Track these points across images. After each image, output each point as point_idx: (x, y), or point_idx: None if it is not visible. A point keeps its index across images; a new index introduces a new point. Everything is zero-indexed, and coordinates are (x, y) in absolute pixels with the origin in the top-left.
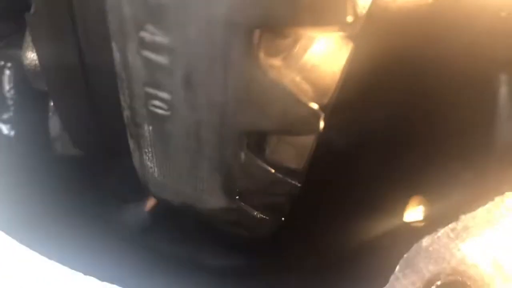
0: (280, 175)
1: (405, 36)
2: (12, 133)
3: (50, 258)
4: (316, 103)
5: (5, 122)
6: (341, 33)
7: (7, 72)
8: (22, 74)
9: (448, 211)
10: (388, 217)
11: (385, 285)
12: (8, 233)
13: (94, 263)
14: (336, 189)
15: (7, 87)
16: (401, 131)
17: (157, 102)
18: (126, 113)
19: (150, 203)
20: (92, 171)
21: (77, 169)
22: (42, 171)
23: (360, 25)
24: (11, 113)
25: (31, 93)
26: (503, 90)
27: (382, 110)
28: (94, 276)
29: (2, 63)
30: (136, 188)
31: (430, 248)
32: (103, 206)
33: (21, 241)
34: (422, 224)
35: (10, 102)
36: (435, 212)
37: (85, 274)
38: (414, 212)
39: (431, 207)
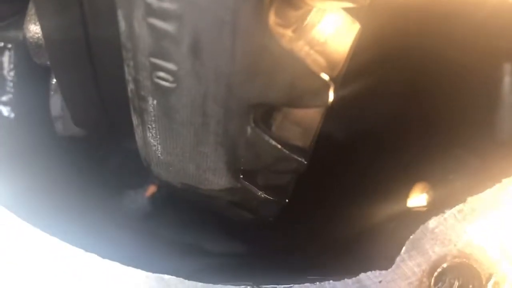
0: (286, 151)
1: (409, 22)
2: (12, 115)
3: (52, 234)
4: (327, 75)
5: (5, 104)
6: (351, 5)
7: (7, 53)
8: (22, 56)
9: (453, 196)
10: (391, 202)
11: (391, 266)
12: (12, 210)
13: (96, 242)
14: (339, 175)
15: (7, 68)
16: (408, 118)
17: (162, 74)
18: (130, 87)
19: (151, 189)
20: (92, 154)
21: (78, 151)
22: (43, 153)
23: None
24: (11, 95)
25: (31, 74)
26: (507, 79)
27: (388, 96)
28: (95, 253)
29: (2, 44)
30: (137, 173)
31: (437, 230)
32: (103, 190)
33: (24, 218)
34: (427, 209)
35: (10, 84)
36: (440, 198)
37: (86, 251)
38: (418, 198)
39: (435, 193)
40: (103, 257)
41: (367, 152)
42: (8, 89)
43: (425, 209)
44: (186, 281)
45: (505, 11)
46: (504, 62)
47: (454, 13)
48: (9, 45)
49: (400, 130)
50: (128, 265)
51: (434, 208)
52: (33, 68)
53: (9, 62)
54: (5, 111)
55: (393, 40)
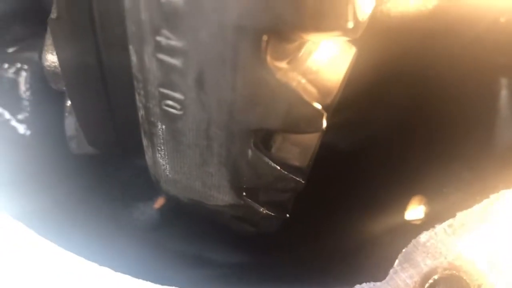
0: (285, 172)
1: (406, 41)
2: (28, 132)
3: (67, 249)
4: (320, 103)
5: (21, 122)
6: (344, 38)
7: (23, 74)
8: (37, 76)
9: (447, 209)
10: (389, 215)
11: (384, 278)
12: (29, 225)
13: (107, 254)
14: (338, 188)
15: (23, 88)
16: (403, 133)
17: (170, 102)
18: (141, 113)
19: (159, 202)
20: (103, 170)
21: (90, 167)
22: (57, 169)
23: (362, 30)
24: (27, 114)
25: (46, 94)
26: (503, 93)
27: (384, 112)
28: (108, 266)
29: (19, 65)
30: (145, 187)
31: (428, 244)
32: (114, 204)
33: (40, 233)
34: (422, 222)
35: (26, 103)
36: (435, 211)
37: (100, 264)
38: (414, 211)
39: (431, 206)
40: (116, 270)
41: (367, 165)
42: (24, 107)
43: (421, 222)
44: None
45: (498, 29)
46: (500, 76)
47: (450, 30)
48: (25, 66)
49: (400, 144)
50: (138, 277)
51: (430, 221)
52: (48, 88)
53: (25, 82)
54: (21, 128)
55: (390, 61)
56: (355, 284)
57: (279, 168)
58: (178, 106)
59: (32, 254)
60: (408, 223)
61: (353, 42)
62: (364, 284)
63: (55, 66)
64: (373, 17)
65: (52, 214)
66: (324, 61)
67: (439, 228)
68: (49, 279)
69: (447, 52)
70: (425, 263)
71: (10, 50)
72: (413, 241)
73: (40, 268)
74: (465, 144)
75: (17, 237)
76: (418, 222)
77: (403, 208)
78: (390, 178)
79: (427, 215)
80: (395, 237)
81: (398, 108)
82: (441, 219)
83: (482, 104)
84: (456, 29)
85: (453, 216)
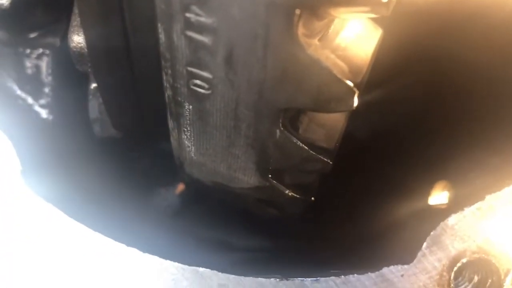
0: (313, 153)
1: (430, 25)
2: (51, 117)
3: (95, 230)
4: (351, 81)
5: (43, 107)
6: (373, 15)
7: (45, 59)
8: (59, 61)
9: (473, 194)
10: (414, 200)
11: (412, 261)
12: (58, 207)
13: (132, 237)
14: (365, 172)
15: (45, 73)
16: (429, 119)
17: (198, 81)
18: (168, 93)
19: (180, 187)
20: (126, 154)
21: (113, 151)
22: (81, 153)
23: (391, 9)
24: (49, 99)
25: (68, 79)
26: None
27: (409, 97)
28: (136, 247)
29: (41, 51)
30: (167, 172)
31: (456, 226)
32: (136, 189)
33: (69, 214)
34: (448, 206)
35: (48, 88)
36: (461, 196)
37: (127, 245)
38: (440, 196)
39: (456, 191)
40: (143, 251)
41: (390, 152)
42: (46, 92)
43: (445, 206)
44: (220, 273)
45: None
46: None
47: (474, 15)
48: (47, 51)
49: (421, 130)
50: (166, 259)
51: (455, 206)
52: (69, 73)
53: (47, 67)
54: (44, 113)
55: (415, 43)
56: (382, 267)
57: (307, 148)
58: (206, 86)
59: (65, 235)
60: (434, 208)
61: (379, 24)
62: (392, 267)
63: (81, 47)
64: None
65: (78, 196)
66: (353, 40)
67: (468, 211)
68: (80, 258)
69: (472, 37)
70: (454, 246)
71: (32, 35)
72: (442, 224)
73: (74, 248)
74: (491, 129)
75: (51, 220)
76: (444, 207)
77: (428, 193)
78: (412, 164)
79: (452, 200)
80: (421, 221)
81: (422, 94)
82: (467, 204)
83: (507, 89)
84: (480, 14)
85: (482, 198)
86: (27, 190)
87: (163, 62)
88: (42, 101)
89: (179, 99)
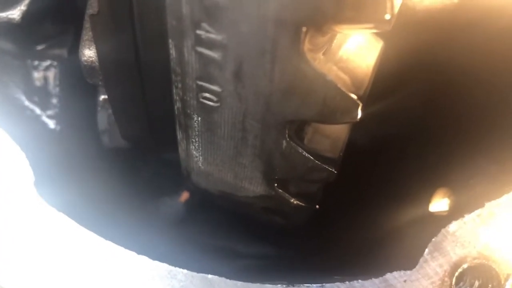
0: (318, 162)
1: (431, 35)
2: (58, 128)
3: (105, 236)
4: (354, 94)
5: (51, 117)
6: (375, 31)
7: (53, 70)
8: (67, 73)
9: (473, 200)
10: (415, 206)
11: (414, 267)
12: (69, 216)
13: (143, 246)
14: (366, 179)
15: (53, 84)
16: (429, 127)
17: (207, 95)
18: (177, 105)
19: (184, 196)
20: (132, 163)
21: (120, 161)
22: (88, 163)
23: (392, 24)
24: (57, 109)
25: (76, 90)
26: None
27: (410, 105)
28: (146, 253)
29: (49, 62)
30: (172, 181)
31: (457, 233)
32: (141, 197)
33: (81, 223)
34: (448, 213)
35: (55, 99)
36: (461, 202)
37: (138, 253)
38: (440, 202)
39: (457, 198)
40: (153, 259)
41: (390, 159)
42: (54, 103)
43: (446, 213)
44: (228, 280)
45: None
46: None
47: (475, 22)
48: (55, 63)
49: (422, 138)
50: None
51: (456, 212)
52: (77, 84)
53: (55, 79)
54: (52, 124)
55: (415, 52)
56: (385, 273)
57: (312, 158)
58: (215, 98)
59: (78, 243)
60: (435, 214)
61: (380, 35)
62: (395, 273)
63: (92, 61)
64: (399, 11)
65: (87, 205)
66: (355, 52)
67: (468, 217)
68: (93, 265)
69: (472, 45)
70: (455, 252)
71: (40, 47)
72: (443, 230)
73: (86, 255)
74: (491, 137)
75: (62, 228)
76: (445, 213)
77: (428, 199)
78: (413, 171)
79: (453, 206)
80: (423, 228)
81: (422, 101)
82: (467, 211)
83: (507, 97)
84: (481, 21)
85: (482, 205)
86: (40, 200)
87: (173, 76)
88: (50, 112)
89: (189, 111)
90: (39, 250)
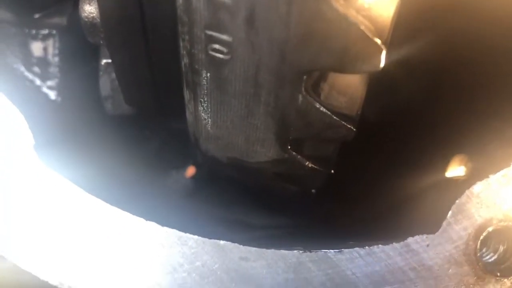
0: (337, 118)
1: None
2: (59, 98)
3: (112, 204)
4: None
5: (51, 88)
6: None
7: (52, 39)
8: (66, 41)
9: (493, 165)
10: (434, 173)
11: (437, 230)
12: (77, 184)
13: (151, 213)
14: (382, 146)
15: (52, 54)
16: (443, 92)
17: (217, 46)
18: (185, 61)
19: (190, 170)
20: (138, 134)
21: (125, 130)
22: (92, 132)
23: None
24: (57, 80)
25: (76, 59)
26: None
27: (423, 70)
28: (154, 221)
29: (47, 31)
30: (179, 153)
31: (482, 194)
32: (148, 169)
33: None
34: (468, 177)
35: (55, 69)
36: (480, 168)
37: (146, 220)
38: (458, 169)
39: (475, 164)
40: (162, 225)
41: (405, 126)
42: (53, 74)
43: (467, 177)
44: (241, 246)
45: None
46: None
47: None
48: (53, 32)
49: (436, 104)
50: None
51: (477, 175)
52: (77, 53)
53: (54, 48)
54: (52, 95)
55: (429, 10)
56: (407, 237)
57: (330, 114)
58: (225, 50)
59: (83, 208)
60: (456, 179)
61: None
62: (417, 237)
63: (92, 17)
64: None
65: (94, 173)
66: (376, 2)
67: (493, 178)
68: (100, 231)
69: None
70: (479, 214)
71: (37, 15)
72: (467, 191)
73: (92, 221)
74: (504, 101)
75: (67, 194)
76: (465, 178)
77: (445, 166)
78: (429, 137)
79: (470, 173)
80: (445, 191)
81: (433, 68)
82: (492, 171)
83: None
84: None
85: (507, 165)
86: (41, 164)
87: (180, 27)
88: (50, 83)
89: (197, 66)
90: (43, 215)
